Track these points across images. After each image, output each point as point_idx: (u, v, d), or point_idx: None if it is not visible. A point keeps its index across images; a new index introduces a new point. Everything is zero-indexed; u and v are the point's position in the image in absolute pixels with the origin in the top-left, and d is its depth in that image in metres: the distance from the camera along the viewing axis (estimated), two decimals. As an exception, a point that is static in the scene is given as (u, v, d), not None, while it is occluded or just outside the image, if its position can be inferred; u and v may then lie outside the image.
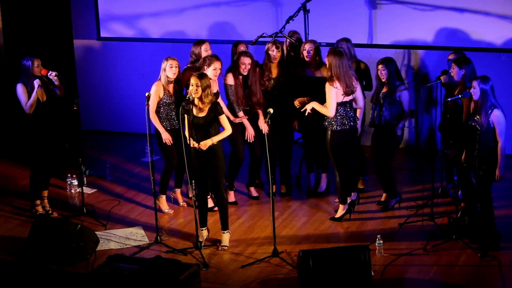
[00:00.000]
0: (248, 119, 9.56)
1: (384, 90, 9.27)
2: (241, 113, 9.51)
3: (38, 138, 9.46)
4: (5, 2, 12.04)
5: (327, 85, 8.89)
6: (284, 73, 9.77)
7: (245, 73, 9.43)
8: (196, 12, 11.92)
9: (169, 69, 9.27)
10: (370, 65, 9.98)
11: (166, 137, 9.36)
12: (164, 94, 9.32)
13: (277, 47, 9.66)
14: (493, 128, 8.15)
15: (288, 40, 9.94)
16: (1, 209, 9.96)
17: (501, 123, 8.13)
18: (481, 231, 8.48)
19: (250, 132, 9.57)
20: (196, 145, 8.56)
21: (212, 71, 9.20)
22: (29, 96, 9.31)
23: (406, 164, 10.99)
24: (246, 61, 9.39)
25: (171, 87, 9.37)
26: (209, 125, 8.55)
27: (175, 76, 9.33)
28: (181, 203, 9.89)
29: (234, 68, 9.51)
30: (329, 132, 9.07)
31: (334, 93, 8.88)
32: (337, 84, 8.87)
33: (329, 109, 8.93)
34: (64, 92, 9.57)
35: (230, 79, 9.50)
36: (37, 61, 9.40)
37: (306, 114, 9.09)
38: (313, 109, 9.08)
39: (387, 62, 9.22)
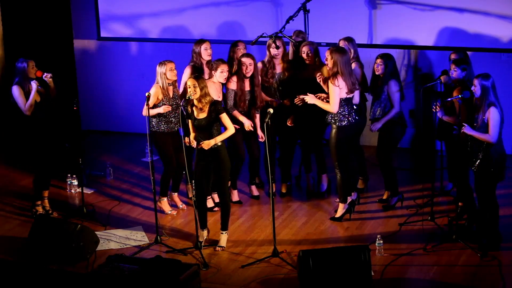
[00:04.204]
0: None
1: (379, 85, 9.28)
2: (235, 111, 9.44)
3: (39, 139, 9.44)
4: (5, 2, 12.04)
5: (329, 82, 8.89)
6: (294, 76, 9.72)
7: (249, 75, 9.39)
8: (196, 12, 11.92)
9: (170, 72, 9.25)
10: (369, 66, 9.96)
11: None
12: (163, 97, 9.29)
13: (277, 47, 9.64)
14: (487, 125, 8.13)
15: (292, 43, 9.90)
16: (1, 209, 9.96)
17: (494, 119, 8.08)
18: (481, 231, 8.48)
19: (246, 123, 9.44)
20: (194, 144, 8.55)
21: (220, 74, 9.19)
22: (27, 97, 9.29)
23: (406, 164, 10.99)
24: (247, 62, 9.35)
25: (170, 90, 9.34)
26: (211, 125, 8.54)
27: (175, 78, 9.32)
28: (180, 205, 9.87)
29: (238, 71, 9.45)
30: (335, 128, 9.06)
31: (337, 90, 8.88)
32: (339, 81, 8.87)
33: (332, 105, 8.93)
34: (56, 92, 9.53)
35: (232, 84, 9.43)
36: (31, 62, 9.35)
37: (308, 101, 9.04)
38: (311, 106, 9.09)
39: (386, 57, 9.25)
